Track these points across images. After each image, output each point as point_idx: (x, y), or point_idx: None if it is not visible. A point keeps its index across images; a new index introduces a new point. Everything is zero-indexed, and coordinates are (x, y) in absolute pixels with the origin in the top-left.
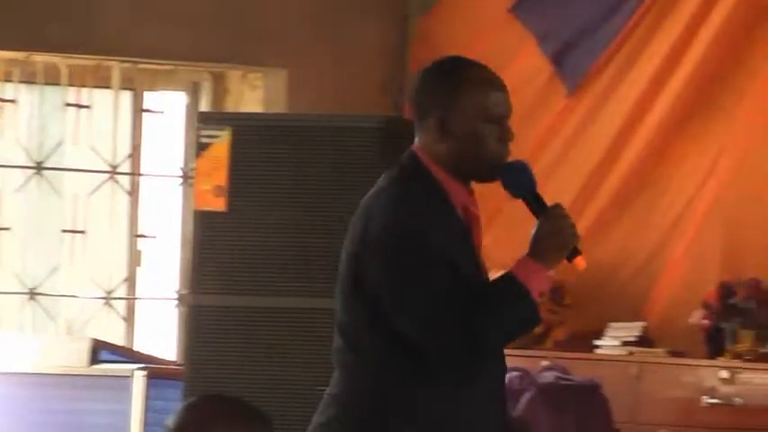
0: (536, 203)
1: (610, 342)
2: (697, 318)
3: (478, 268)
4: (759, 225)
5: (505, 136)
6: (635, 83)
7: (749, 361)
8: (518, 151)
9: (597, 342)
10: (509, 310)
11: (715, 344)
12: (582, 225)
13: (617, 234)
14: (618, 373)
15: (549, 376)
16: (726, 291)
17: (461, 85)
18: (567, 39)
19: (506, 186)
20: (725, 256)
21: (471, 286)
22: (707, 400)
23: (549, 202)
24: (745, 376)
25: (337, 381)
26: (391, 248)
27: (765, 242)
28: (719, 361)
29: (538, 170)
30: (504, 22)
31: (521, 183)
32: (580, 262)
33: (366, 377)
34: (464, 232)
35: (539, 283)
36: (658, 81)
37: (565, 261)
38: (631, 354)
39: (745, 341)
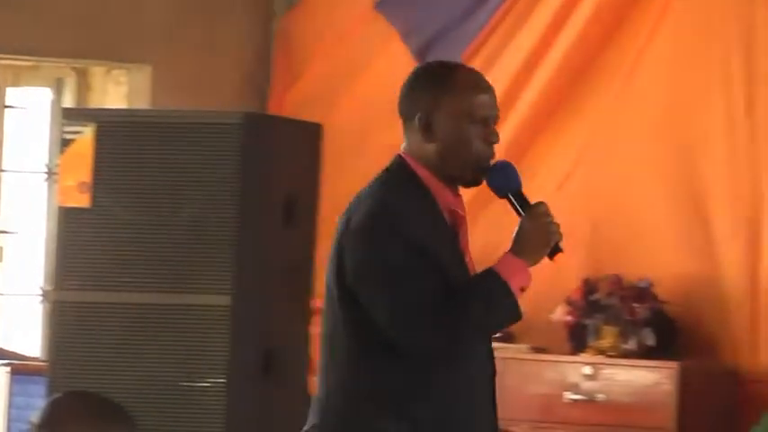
0: (520, 202)
1: None
2: (560, 314)
3: (464, 269)
4: (622, 223)
5: (490, 137)
6: (499, 79)
7: (612, 357)
8: (380, 149)
9: None
10: (489, 305)
11: (578, 340)
12: None
13: (480, 229)
14: None
15: None
16: (588, 287)
17: (446, 86)
18: (432, 34)
19: (492, 186)
20: (588, 252)
21: (453, 283)
22: (569, 396)
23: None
24: (607, 372)
25: (321, 382)
26: (371, 239)
27: (627, 239)
28: (582, 357)
29: None
30: (368, 18)
31: (506, 182)
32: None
33: (347, 375)
34: (450, 234)
35: (520, 279)
36: (522, 77)
37: (546, 258)
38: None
39: (608, 337)
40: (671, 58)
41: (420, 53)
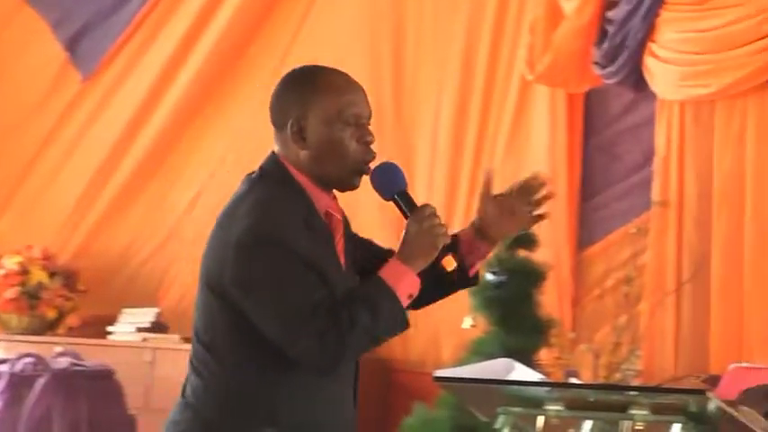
0: (406, 204)
1: (124, 328)
2: None
3: (342, 272)
4: None
5: (365, 138)
6: (148, 70)
7: None
8: (32, 140)
9: (111, 328)
10: (375, 313)
11: None
12: (97, 210)
13: (132, 219)
14: (132, 359)
15: (62, 362)
16: None
17: (314, 90)
18: (82, 25)
19: (375, 188)
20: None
21: (336, 289)
22: None
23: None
24: None
25: (192, 388)
26: (253, 250)
27: None
28: None
29: (52, 158)
30: (16, 11)
31: (389, 184)
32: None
33: (222, 380)
34: (328, 237)
35: (407, 286)
36: (170, 70)
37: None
38: (145, 340)
39: None
40: (319, 56)
41: (70, 44)
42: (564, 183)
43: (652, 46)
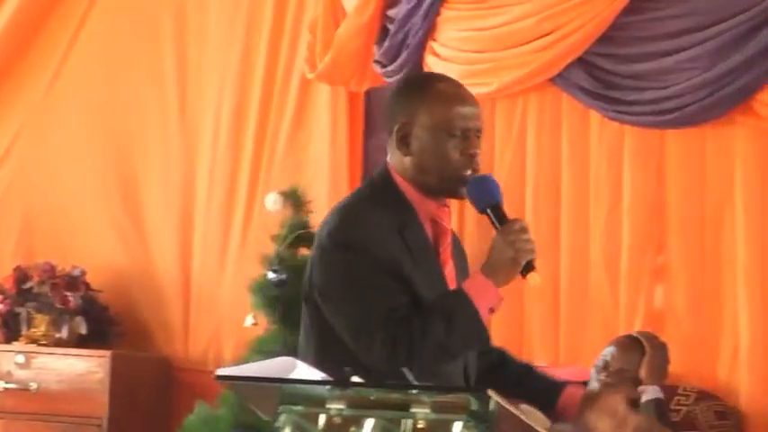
0: (498, 218)
1: None
2: None
3: (439, 281)
4: (55, 211)
5: (468, 150)
6: None
7: (44, 345)
8: None
9: None
10: (450, 325)
11: (10, 328)
12: None
13: None
14: None
15: None
16: (21, 275)
17: (423, 98)
18: None
19: (471, 199)
20: (20, 240)
21: (421, 300)
22: (2, 384)
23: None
24: (40, 360)
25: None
26: (332, 254)
27: (58, 227)
28: (15, 345)
29: None
30: None
31: (483, 196)
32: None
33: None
34: (424, 245)
35: (487, 299)
36: None
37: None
38: None
39: (41, 326)
40: (103, 52)
41: None
42: (345, 181)
43: (433, 44)
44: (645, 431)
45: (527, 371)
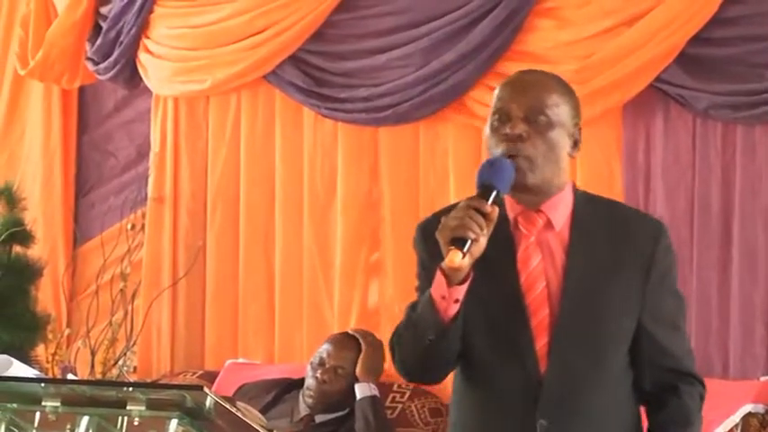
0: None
1: None
2: None
3: (507, 280)
4: None
5: (500, 130)
6: None
7: None
8: None
9: None
10: (408, 318)
11: None
12: None
13: None
14: None
15: None
16: None
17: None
18: None
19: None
20: None
21: (490, 297)
22: None
23: None
24: None
25: None
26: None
27: None
28: None
29: None
30: None
31: (486, 177)
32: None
33: None
34: (497, 245)
35: (436, 286)
36: None
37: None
38: None
39: None
40: None
41: None
42: (59, 179)
43: (146, 42)
44: None
45: None
